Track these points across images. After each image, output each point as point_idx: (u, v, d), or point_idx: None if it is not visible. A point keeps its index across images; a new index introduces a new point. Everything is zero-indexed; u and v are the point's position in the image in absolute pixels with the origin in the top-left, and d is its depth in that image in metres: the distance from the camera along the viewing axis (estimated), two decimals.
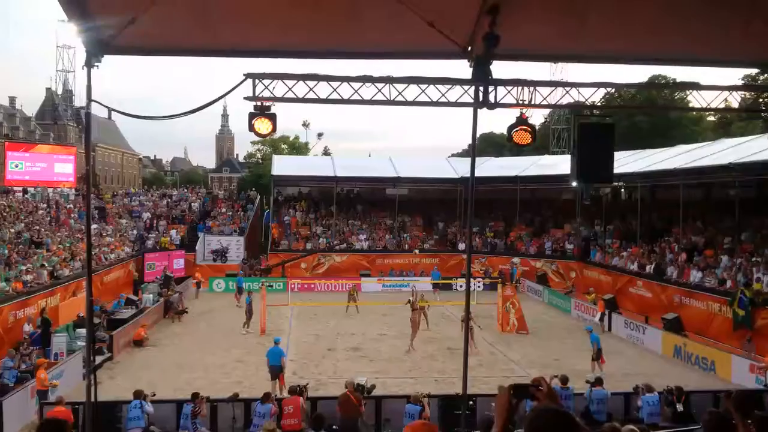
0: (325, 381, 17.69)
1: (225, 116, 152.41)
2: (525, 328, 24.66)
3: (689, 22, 7.43)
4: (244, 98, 7.18)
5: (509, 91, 7.75)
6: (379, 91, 7.66)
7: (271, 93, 7.36)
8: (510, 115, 8.07)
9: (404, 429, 9.79)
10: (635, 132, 48.93)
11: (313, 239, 39.48)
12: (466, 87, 7.49)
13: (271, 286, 30.91)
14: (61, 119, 78.18)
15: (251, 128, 7.51)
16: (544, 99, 7.66)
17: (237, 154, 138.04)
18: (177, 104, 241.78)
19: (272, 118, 7.70)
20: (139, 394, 12.15)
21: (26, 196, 39.33)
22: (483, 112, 8.52)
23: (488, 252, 37.94)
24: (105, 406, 11.66)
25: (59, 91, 79.45)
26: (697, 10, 7.12)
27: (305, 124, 79.09)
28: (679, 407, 12.87)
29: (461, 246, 38.96)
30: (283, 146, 69.36)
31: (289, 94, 7.49)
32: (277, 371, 16.28)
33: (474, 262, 35.79)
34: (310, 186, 45.92)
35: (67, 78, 76.57)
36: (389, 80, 7.60)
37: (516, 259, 35.97)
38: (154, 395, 12.65)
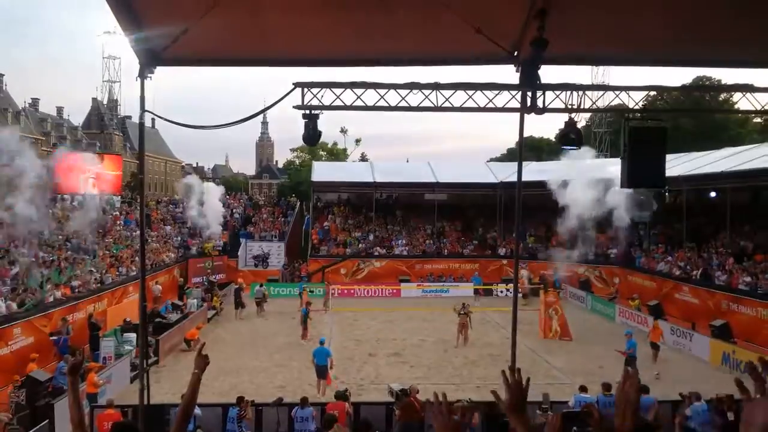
0: (367, 386, 17.74)
1: (265, 123, 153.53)
2: (568, 335, 24.31)
3: (737, 23, 7.29)
4: (294, 107, 7.19)
5: (557, 96, 7.59)
6: (426, 97, 7.56)
7: (320, 101, 7.38)
8: (552, 118, 8.00)
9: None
10: (679, 134, 47.83)
11: (352, 246, 39.59)
12: (513, 92, 7.38)
13: (312, 291, 31.10)
14: (107, 128, 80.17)
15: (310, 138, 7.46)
16: (594, 103, 7.51)
17: (276, 161, 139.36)
18: (212, 111, 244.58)
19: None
20: None
21: (73, 203, 40.31)
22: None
23: (528, 258, 37.40)
24: (153, 408, 11.86)
25: (105, 101, 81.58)
26: (745, 12, 7.00)
27: (343, 131, 79.35)
28: (730, 416, 12.50)
29: (501, 251, 38.65)
30: (321, 153, 69.69)
31: (337, 102, 7.44)
32: (324, 370, 16.51)
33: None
34: (349, 192, 46.10)
35: (112, 88, 78.50)
36: (436, 87, 7.51)
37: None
38: None
